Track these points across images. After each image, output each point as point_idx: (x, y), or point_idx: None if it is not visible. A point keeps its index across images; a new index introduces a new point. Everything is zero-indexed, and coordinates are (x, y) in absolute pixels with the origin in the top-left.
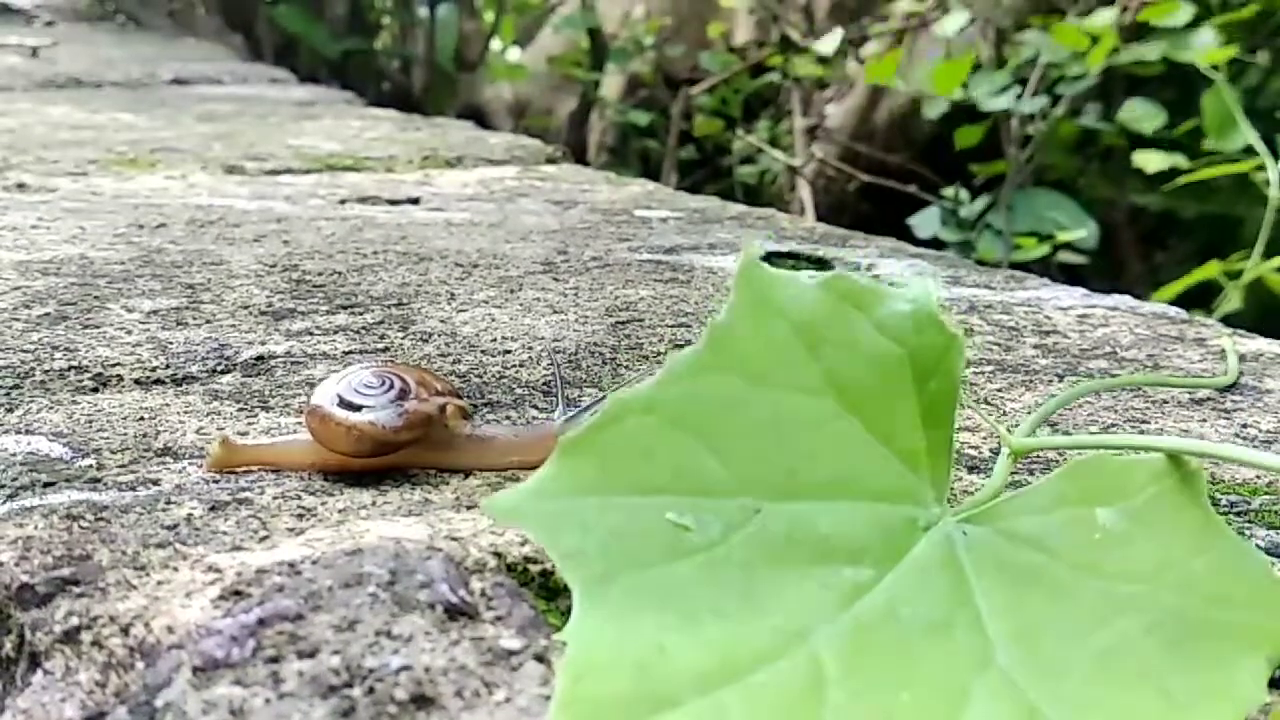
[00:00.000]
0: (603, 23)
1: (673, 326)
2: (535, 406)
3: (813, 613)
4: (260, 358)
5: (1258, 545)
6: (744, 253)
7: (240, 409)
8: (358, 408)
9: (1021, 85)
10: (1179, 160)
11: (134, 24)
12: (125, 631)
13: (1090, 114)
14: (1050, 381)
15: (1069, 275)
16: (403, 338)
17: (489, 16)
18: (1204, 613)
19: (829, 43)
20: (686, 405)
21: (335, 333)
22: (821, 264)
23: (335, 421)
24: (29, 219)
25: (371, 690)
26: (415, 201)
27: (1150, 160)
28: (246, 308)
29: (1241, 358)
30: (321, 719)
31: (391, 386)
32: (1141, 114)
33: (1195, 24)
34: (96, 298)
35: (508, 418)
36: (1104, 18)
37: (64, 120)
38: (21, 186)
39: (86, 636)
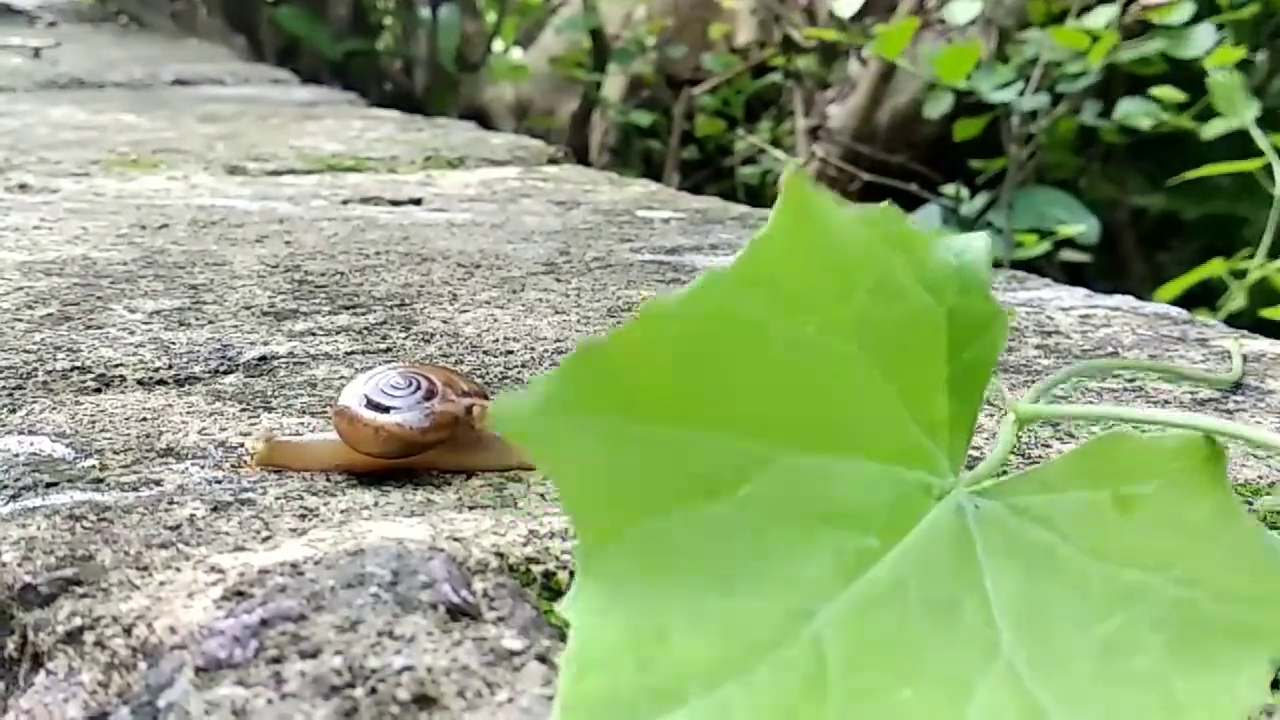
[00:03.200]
0: (604, 24)
1: None
2: None
3: (817, 587)
4: (263, 358)
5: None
6: (788, 170)
7: (243, 409)
8: (385, 409)
9: (1025, 82)
10: (1184, 122)
11: (136, 25)
12: (128, 632)
13: (1089, 112)
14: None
15: (1072, 275)
16: (405, 338)
17: (491, 17)
18: (1211, 608)
19: (849, 4)
20: (712, 324)
21: (338, 333)
22: None
23: (363, 422)
24: (31, 220)
25: (374, 690)
26: (418, 202)
27: (1141, 120)
28: (249, 308)
29: (1243, 358)
30: (324, 716)
31: (419, 387)
32: (1137, 111)
33: (1195, 21)
34: (99, 298)
35: None
36: (1105, 14)
37: (66, 121)
38: (24, 187)
39: (89, 637)
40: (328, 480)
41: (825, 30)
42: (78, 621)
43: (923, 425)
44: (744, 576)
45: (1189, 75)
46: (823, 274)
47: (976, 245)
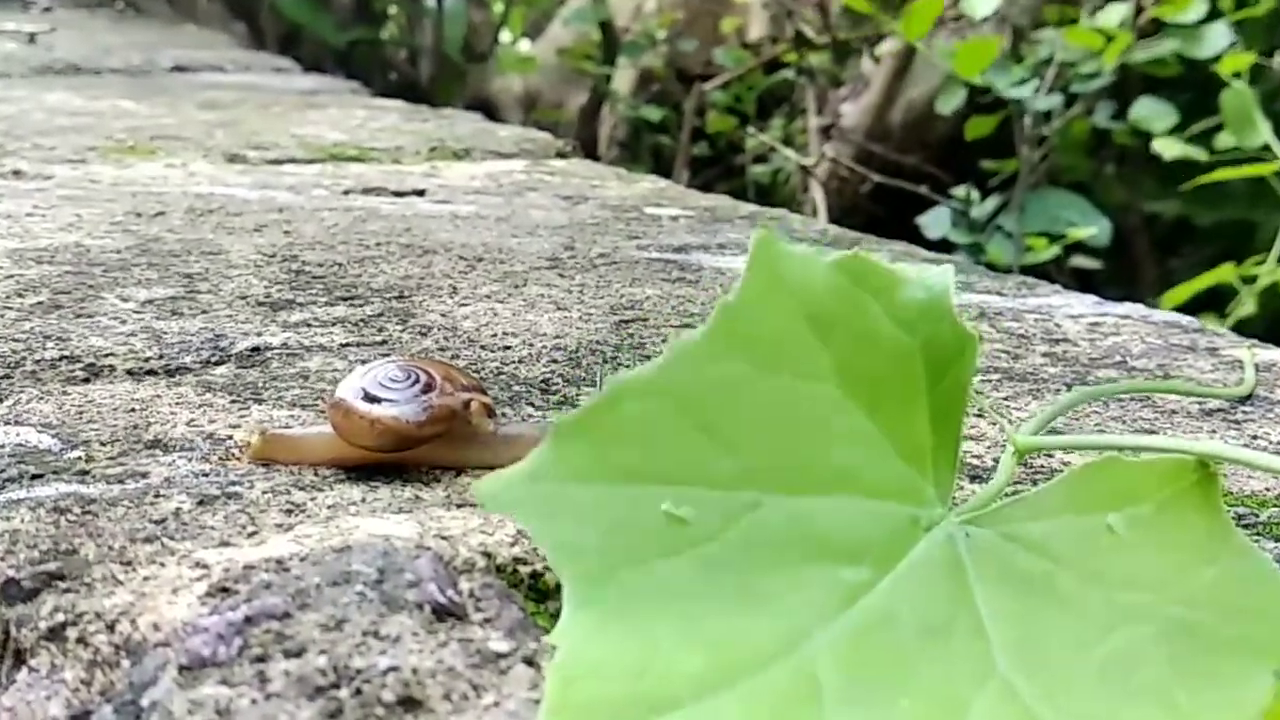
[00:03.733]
0: (613, 16)
1: (677, 326)
2: (531, 404)
3: (810, 614)
4: (256, 349)
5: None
6: (759, 230)
7: (233, 401)
8: (381, 401)
9: (1038, 81)
10: (1196, 153)
11: (133, 10)
12: (111, 628)
13: (1103, 113)
14: (1058, 390)
15: (1082, 281)
16: (401, 331)
17: (498, 8)
18: (1212, 625)
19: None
20: (688, 390)
21: (333, 324)
22: None
23: (358, 415)
24: (24, 206)
25: (359, 691)
26: (421, 193)
27: (1169, 147)
28: (244, 298)
29: (1255, 368)
30: (309, 718)
31: (416, 381)
32: (1152, 113)
33: (1209, 20)
34: (91, 287)
35: (504, 414)
36: (1118, 12)
37: (62, 107)
38: (17, 174)
39: (72, 633)
40: (315, 475)
41: (835, 33)
42: (61, 617)
43: (908, 456)
44: (736, 605)
45: (1203, 76)
46: (795, 327)
47: (941, 276)
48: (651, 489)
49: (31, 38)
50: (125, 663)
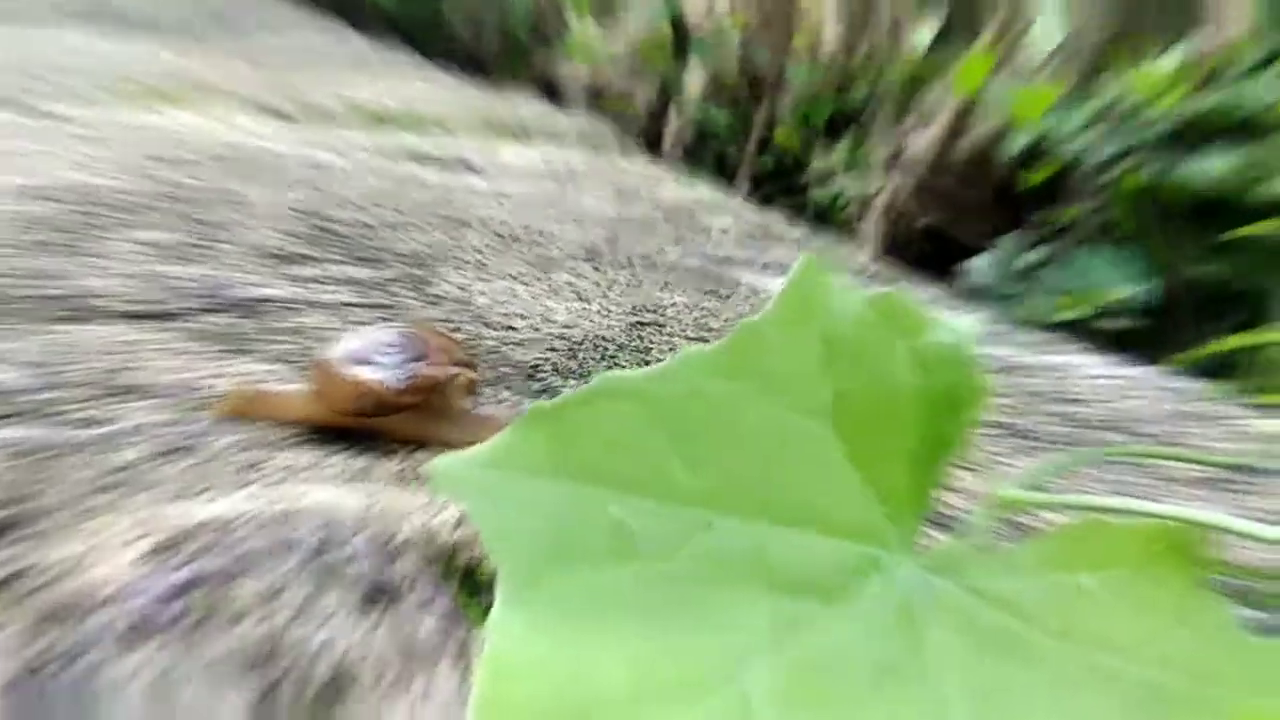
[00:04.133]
0: (684, 13)
1: (691, 338)
2: (508, 388)
3: (750, 642)
4: (256, 300)
5: (1260, 628)
6: (803, 255)
7: (219, 351)
8: (369, 365)
9: (1102, 124)
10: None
11: None
12: (59, 581)
13: (1151, 166)
14: (1058, 451)
15: (1117, 341)
16: (413, 298)
17: None
18: (1184, 688)
19: (925, 33)
20: (670, 400)
21: (343, 283)
22: None
23: (342, 376)
24: (47, 146)
25: (292, 666)
26: (471, 168)
27: (1215, 166)
28: (257, 248)
29: (1263, 438)
30: (244, 691)
31: (405, 349)
32: (1197, 170)
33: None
34: (97, 228)
35: (482, 394)
36: (1173, 59)
37: (109, 54)
38: (49, 114)
39: (21, 586)
40: (277, 434)
41: (906, 61)
42: (12, 567)
43: (878, 499)
44: (675, 626)
45: (1265, 126)
46: (806, 357)
47: (970, 325)
48: (604, 491)
49: None
50: (70, 619)
